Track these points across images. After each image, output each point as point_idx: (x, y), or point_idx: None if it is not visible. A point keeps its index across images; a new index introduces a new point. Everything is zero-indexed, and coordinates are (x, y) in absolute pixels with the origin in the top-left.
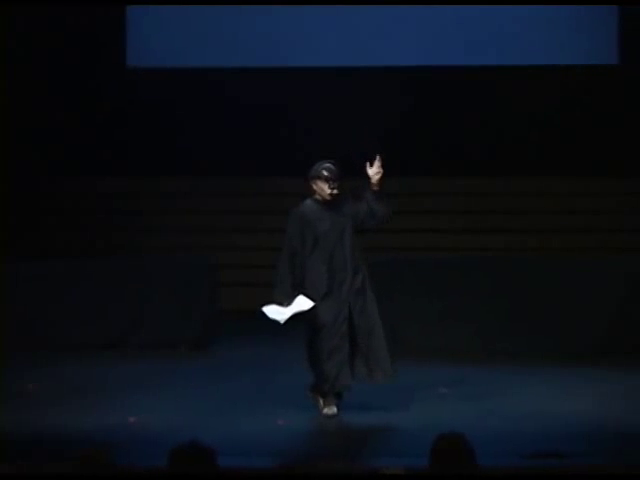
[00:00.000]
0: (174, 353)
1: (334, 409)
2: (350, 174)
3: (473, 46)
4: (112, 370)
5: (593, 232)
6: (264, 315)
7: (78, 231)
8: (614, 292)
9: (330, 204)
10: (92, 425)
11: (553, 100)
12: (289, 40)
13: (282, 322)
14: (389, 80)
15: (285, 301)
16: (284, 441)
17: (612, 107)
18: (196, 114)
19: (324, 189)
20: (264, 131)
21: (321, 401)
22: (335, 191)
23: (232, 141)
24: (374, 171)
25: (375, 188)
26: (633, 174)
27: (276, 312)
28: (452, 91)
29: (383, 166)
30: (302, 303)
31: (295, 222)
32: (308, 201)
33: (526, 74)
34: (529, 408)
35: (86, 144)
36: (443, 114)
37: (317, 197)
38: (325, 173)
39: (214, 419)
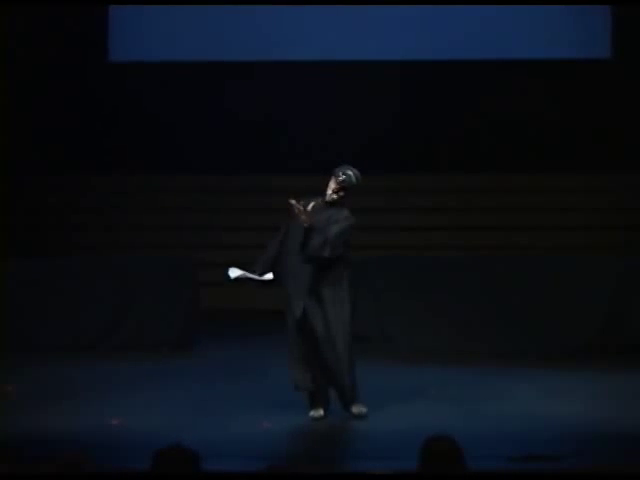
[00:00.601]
0: (157, 354)
1: (320, 412)
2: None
3: (460, 40)
4: (94, 371)
5: (582, 230)
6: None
7: (61, 230)
8: (602, 291)
9: (331, 207)
10: (74, 427)
11: (544, 95)
12: (277, 34)
13: (231, 277)
14: (376, 75)
15: (257, 270)
16: (269, 444)
17: (605, 102)
18: (180, 110)
19: (329, 187)
20: (250, 127)
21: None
22: (334, 196)
23: (217, 138)
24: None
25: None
26: (624, 170)
27: (237, 270)
28: (441, 86)
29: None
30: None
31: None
32: (319, 197)
33: (516, 68)
34: (517, 409)
35: (66, 142)
36: (432, 110)
37: (325, 195)
38: (341, 175)
39: (198, 421)
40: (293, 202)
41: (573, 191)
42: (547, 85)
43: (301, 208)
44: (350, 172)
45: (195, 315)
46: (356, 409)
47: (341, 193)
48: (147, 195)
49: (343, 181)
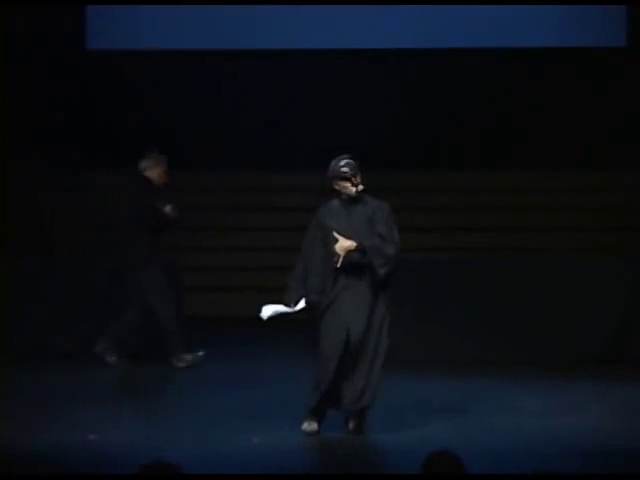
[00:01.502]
0: (136, 364)
1: (314, 426)
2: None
3: (473, 27)
4: (71, 382)
5: (593, 230)
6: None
7: (40, 231)
8: (616, 297)
9: (356, 202)
10: (49, 443)
11: (555, 85)
12: (260, 22)
13: (264, 318)
14: (365, 66)
15: (291, 302)
16: (259, 460)
17: (619, 92)
18: (159, 101)
19: (347, 187)
20: (233, 120)
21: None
22: (360, 187)
23: (199, 131)
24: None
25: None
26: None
27: (270, 310)
28: (443, 76)
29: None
30: (298, 305)
31: (311, 226)
32: (334, 200)
33: (527, 57)
34: (523, 423)
35: (49, 141)
36: (431, 103)
37: (343, 196)
38: (342, 170)
39: (181, 436)
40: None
41: (583, 190)
42: (566, 74)
43: (338, 240)
44: (345, 161)
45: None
46: (307, 425)
47: (358, 180)
48: (124, 191)
49: (350, 171)
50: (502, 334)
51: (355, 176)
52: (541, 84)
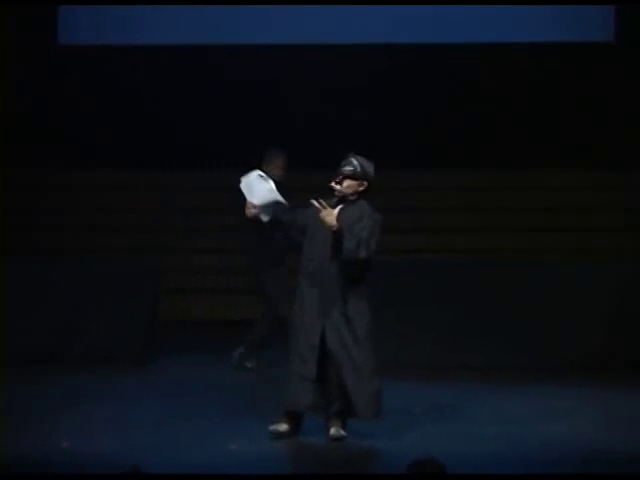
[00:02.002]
0: (112, 369)
1: (284, 427)
2: (318, 165)
3: (460, 23)
4: (42, 388)
5: (582, 231)
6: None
7: (10, 231)
8: (604, 300)
9: (348, 204)
10: (20, 451)
11: (541, 81)
12: (229, 16)
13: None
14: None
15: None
16: (237, 468)
17: (608, 89)
18: (134, 96)
19: (334, 184)
20: (211, 116)
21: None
22: (338, 187)
23: (174, 127)
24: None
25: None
26: (627, 167)
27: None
28: (431, 71)
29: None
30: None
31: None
32: (333, 199)
33: (512, 52)
34: (508, 429)
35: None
36: (420, 98)
37: (336, 193)
38: (341, 164)
39: (158, 443)
40: (318, 202)
41: (572, 189)
42: (553, 69)
43: (328, 209)
44: (354, 161)
45: (155, 326)
46: (335, 431)
47: (347, 184)
48: (98, 191)
49: (347, 171)
50: (489, 339)
51: (344, 178)
52: (527, 80)
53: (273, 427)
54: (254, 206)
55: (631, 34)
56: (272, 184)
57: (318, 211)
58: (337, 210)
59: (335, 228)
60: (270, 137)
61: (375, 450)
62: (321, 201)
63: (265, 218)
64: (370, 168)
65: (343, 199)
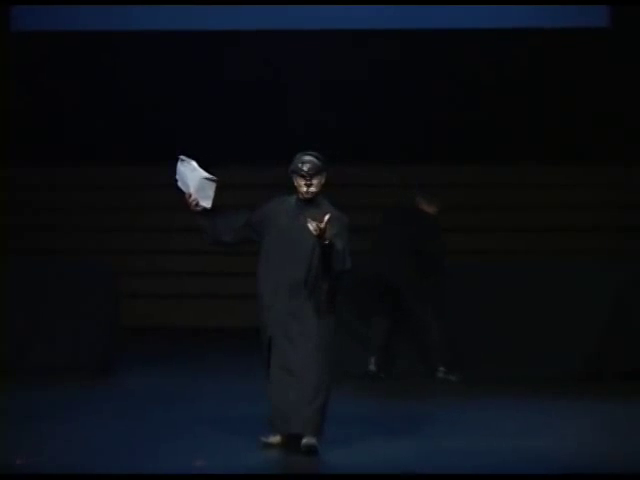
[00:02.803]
0: (70, 379)
1: (276, 438)
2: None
3: (452, 9)
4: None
5: (580, 231)
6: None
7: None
8: (600, 305)
9: (310, 206)
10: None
11: (535, 67)
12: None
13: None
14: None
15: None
16: None
17: (603, 75)
18: (99, 87)
19: (300, 185)
20: (187, 110)
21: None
22: (312, 189)
23: (140, 119)
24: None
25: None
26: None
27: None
28: (424, 59)
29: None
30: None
31: (261, 207)
32: (291, 197)
33: (505, 38)
34: (495, 445)
35: None
36: (414, 90)
37: (299, 195)
38: (299, 166)
39: (118, 460)
40: (312, 224)
41: (570, 186)
42: (548, 55)
43: (322, 226)
44: (312, 157)
45: (117, 333)
46: (307, 440)
47: (316, 182)
48: (59, 189)
49: (316, 169)
50: (473, 349)
51: (312, 176)
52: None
53: (263, 439)
54: (191, 195)
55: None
56: (194, 164)
57: (284, 211)
58: (326, 219)
59: (327, 242)
60: (264, 132)
61: (347, 463)
62: (310, 221)
63: (206, 203)
64: (322, 159)
65: (309, 199)
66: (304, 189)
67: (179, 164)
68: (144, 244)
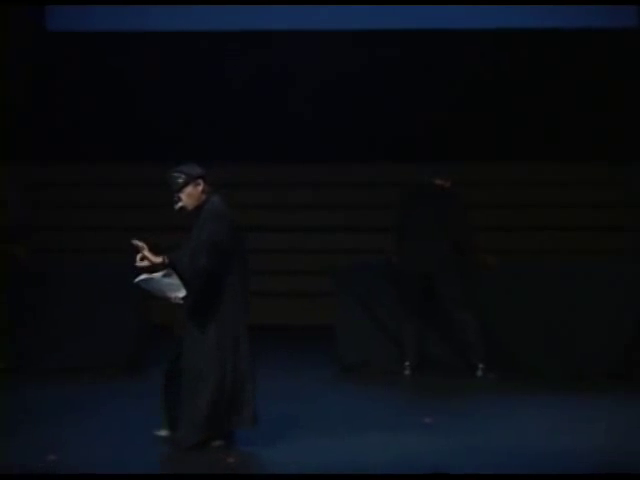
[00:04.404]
0: (100, 376)
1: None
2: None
3: (477, 8)
4: (27, 397)
5: (599, 230)
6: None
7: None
8: (632, 303)
9: (200, 211)
10: (4, 463)
11: (563, 68)
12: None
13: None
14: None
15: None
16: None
17: (631, 76)
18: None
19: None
20: (192, 109)
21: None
22: (180, 204)
23: (159, 119)
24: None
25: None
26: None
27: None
28: (441, 58)
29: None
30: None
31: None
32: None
33: (531, 39)
34: (524, 443)
35: None
36: (424, 86)
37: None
38: (170, 182)
39: (151, 456)
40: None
41: (588, 183)
42: (574, 56)
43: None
44: (174, 173)
45: (147, 331)
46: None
47: (185, 195)
48: (83, 187)
49: (179, 184)
50: (503, 345)
51: (178, 191)
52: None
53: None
54: (170, 298)
55: None
56: (145, 276)
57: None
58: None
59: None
60: (264, 132)
61: (379, 463)
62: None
63: (181, 293)
64: (193, 168)
65: (197, 208)
66: (176, 206)
67: (143, 286)
68: (172, 242)
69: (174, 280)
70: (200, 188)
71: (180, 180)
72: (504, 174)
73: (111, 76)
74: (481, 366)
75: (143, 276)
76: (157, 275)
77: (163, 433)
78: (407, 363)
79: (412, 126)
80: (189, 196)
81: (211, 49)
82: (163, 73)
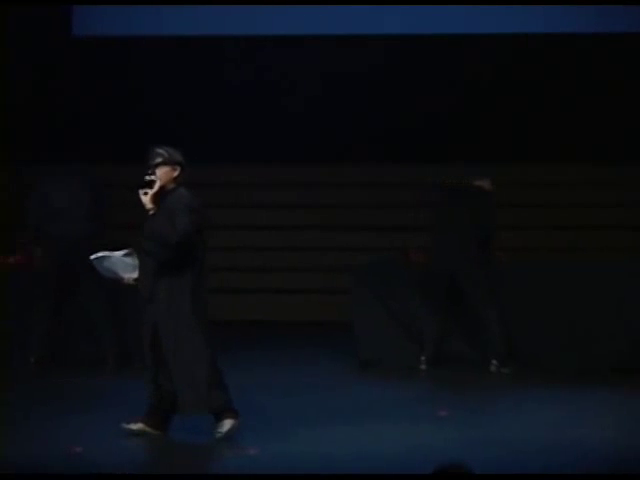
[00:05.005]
0: (129, 369)
1: (139, 426)
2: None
3: (499, 12)
4: (47, 391)
5: (615, 228)
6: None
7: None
8: (632, 302)
9: (169, 194)
10: (31, 456)
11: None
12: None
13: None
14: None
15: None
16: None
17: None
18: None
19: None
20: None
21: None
22: (152, 177)
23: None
24: None
25: None
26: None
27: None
28: (456, 62)
29: None
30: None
31: None
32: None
33: (532, 42)
34: (539, 435)
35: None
36: (437, 89)
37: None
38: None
39: (174, 447)
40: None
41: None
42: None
43: (147, 192)
44: (159, 150)
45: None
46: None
47: (160, 172)
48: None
49: (158, 161)
50: (518, 339)
51: (155, 166)
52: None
53: (130, 426)
54: (123, 279)
55: None
56: (104, 253)
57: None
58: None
59: (153, 212)
60: (264, 132)
61: (395, 453)
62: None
63: (135, 274)
64: (177, 154)
65: (163, 191)
66: (147, 177)
67: (96, 264)
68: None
69: (133, 261)
70: (176, 174)
71: (160, 158)
72: (522, 175)
73: (112, 77)
74: (494, 362)
75: (102, 253)
76: (118, 253)
77: (134, 427)
78: (423, 358)
79: (439, 125)
80: (164, 175)
81: (211, 53)
82: (164, 74)
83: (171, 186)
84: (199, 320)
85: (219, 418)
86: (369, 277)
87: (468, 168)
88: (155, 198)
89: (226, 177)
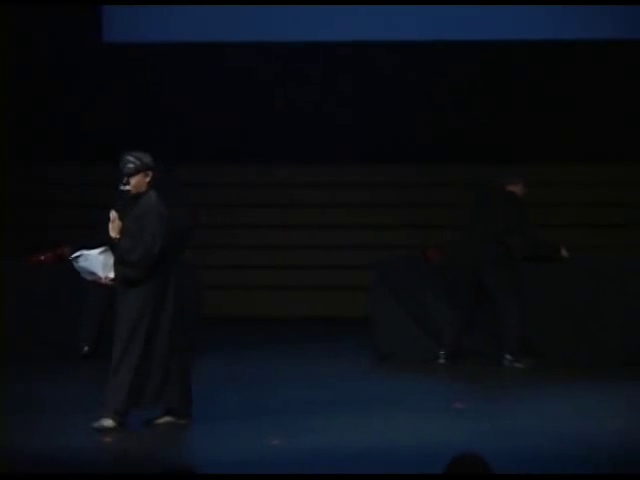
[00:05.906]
0: None
1: (110, 422)
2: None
3: (499, 19)
4: (61, 385)
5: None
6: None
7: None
8: None
9: (139, 200)
10: (67, 446)
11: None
12: (261, 14)
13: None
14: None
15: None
16: (277, 461)
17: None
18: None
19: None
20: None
21: None
22: (127, 187)
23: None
24: None
25: None
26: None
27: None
28: (476, 67)
29: None
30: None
31: None
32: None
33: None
34: (554, 427)
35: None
36: (454, 93)
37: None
38: (120, 166)
39: (196, 439)
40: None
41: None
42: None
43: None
44: (130, 157)
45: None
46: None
47: (134, 182)
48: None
49: (131, 170)
50: (533, 334)
51: (129, 175)
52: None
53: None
54: (101, 278)
55: None
56: (83, 252)
57: (115, 204)
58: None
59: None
60: (265, 132)
61: (412, 446)
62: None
63: (112, 274)
64: (147, 157)
65: (136, 196)
66: (122, 187)
67: (74, 264)
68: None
69: (109, 259)
70: (148, 179)
71: (133, 166)
72: (541, 175)
73: (113, 78)
74: (508, 357)
75: (80, 252)
76: (94, 252)
77: (105, 423)
78: (442, 352)
79: (469, 125)
80: (137, 182)
81: (211, 57)
82: (164, 76)
83: (143, 189)
84: (173, 321)
85: (166, 414)
86: (388, 274)
87: (498, 168)
88: (119, 229)
89: (244, 177)
